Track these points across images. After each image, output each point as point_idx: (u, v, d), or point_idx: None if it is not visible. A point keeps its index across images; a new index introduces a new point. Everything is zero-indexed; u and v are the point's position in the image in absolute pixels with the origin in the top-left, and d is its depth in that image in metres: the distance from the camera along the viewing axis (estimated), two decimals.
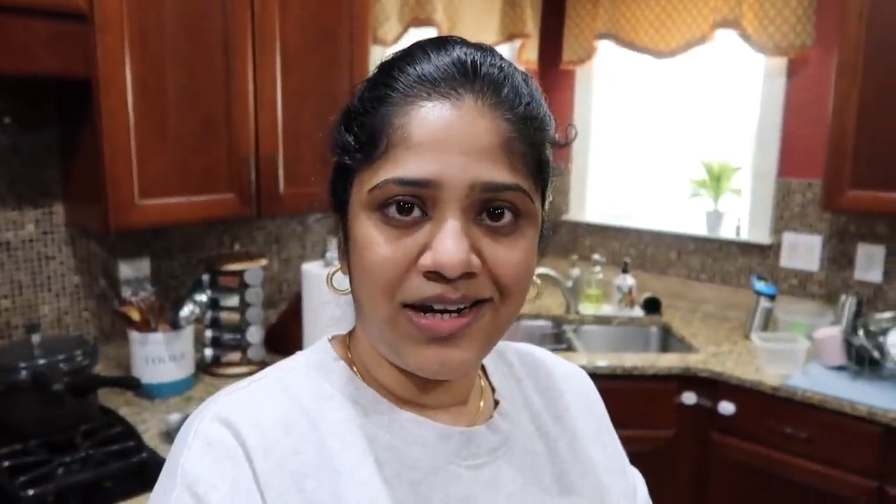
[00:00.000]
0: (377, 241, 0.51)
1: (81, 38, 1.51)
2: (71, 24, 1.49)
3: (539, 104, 0.54)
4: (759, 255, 2.67)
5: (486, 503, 0.57)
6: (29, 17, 1.43)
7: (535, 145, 0.53)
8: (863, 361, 2.09)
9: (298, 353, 0.61)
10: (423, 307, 0.51)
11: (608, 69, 3.01)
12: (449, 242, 0.49)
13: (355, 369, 0.59)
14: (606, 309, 2.78)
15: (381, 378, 0.58)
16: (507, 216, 0.52)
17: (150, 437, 1.56)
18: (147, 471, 1.40)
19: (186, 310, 1.81)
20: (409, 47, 0.55)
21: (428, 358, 0.52)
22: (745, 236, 2.69)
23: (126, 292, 1.87)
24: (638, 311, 2.76)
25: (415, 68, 0.51)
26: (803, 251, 2.56)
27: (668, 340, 2.66)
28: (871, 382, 2.04)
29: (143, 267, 1.98)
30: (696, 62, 2.75)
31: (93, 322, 1.92)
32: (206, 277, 1.93)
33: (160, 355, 1.77)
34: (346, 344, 0.61)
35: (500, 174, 0.50)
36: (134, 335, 1.78)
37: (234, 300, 1.95)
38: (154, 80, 1.64)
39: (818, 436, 1.99)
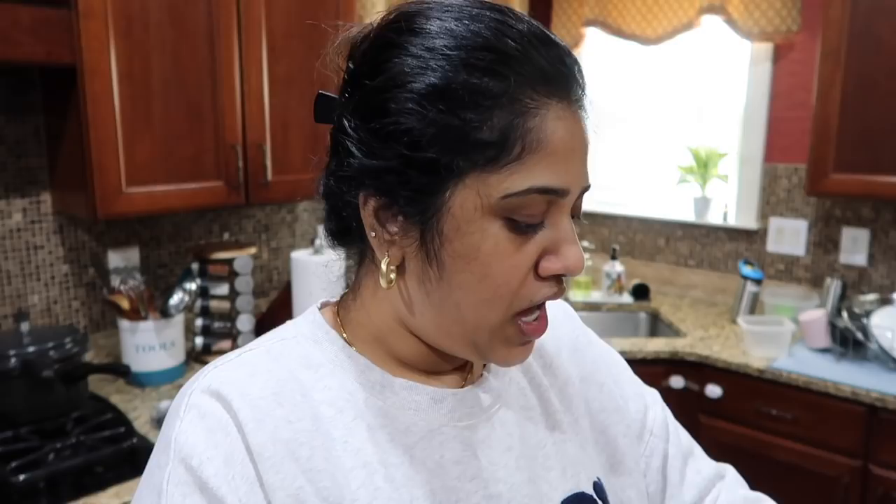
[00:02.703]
0: (508, 250, 0.50)
1: (66, 24, 1.51)
2: (55, 11, 1.49)
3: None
4: (747, 241, 2.69)
5: (482, 462, 0.57)
6: (12, 2, 1.42)
7: None
8: (847, 343, 2.12)
9: (288, 323, 0.61)
10: (529, 309, 0.53)
11: (596, 56, 3.02)
12: (577, 248, 0.52)
13: (346, 337, 0.59)
14: (595, 295, 2.80)
15: (395, 349, 0.58)
16: (577, 215, 0.55)
17: (141, 424, 1.57)
18: (137, 456, 1.41)
19: (176, 298, 1.82)
20: (498, 22, 0.50)
21: (518, 354, 0.55)
22: (732, 222, 2.71)
23: (115, 281, 1.87)
24: (627, 298, 2.77)
25: (529, 59, 0.49)
26: (789, 236, 2.58)
27: (657, 326, 2.68)
28: (855, 364, 2.07)
29: (132, 256, 1.98)
30: (683, 48, 2.77)
31: (82, 311, 1.92)
32: (195, 266, 1.94)
33: (150, 343, 1.78)
34: (336, 312, 0.61)
35: (589, 174, 0.54)
36: (124, 324, 1.79)
37: (223, 289, 1.96)
38: (139, 67, 1.64)
39: (804, 417, 2.02)
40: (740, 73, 2.64)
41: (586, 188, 0.54)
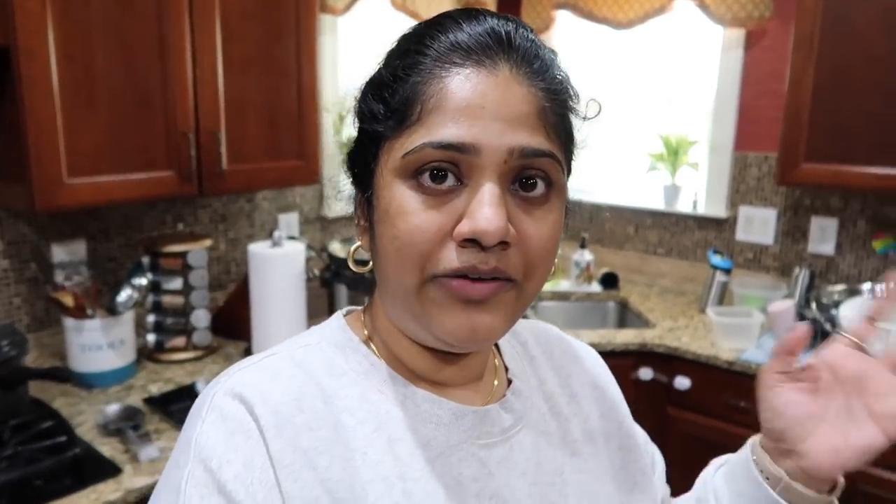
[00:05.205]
0: (411, 208, 0.50)
1: None
2: None
3: (568, 77, 0.55)
4: (716, 229, 2.67)
5: (499, 482, 0.56)
6: None
7: (565, 117, 0.54)
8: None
9: (312, 329, 0.61)
10: (453, 276, 0.50)
11: (566, 40, 2.95)
12: (487, 209, 0.48)
13: (371, 345, 0.58)
14: (564, 285, 2.77)
15: (399, 354, 0.58)
16: (541, 187, 0.52)
17: (86, 431, 1.48)
18: (81, 467, 1.33)
19: (124, 294, 1.72)
20: (437, 17, 0.54)
21: (460, 323, 0.51)
22: (701, 210, 2.68)
23: (59, 276, 1.77)
24: (596, 287, 2.74)
25: (447, 36, 0.51)
26: (759, 225, 2.56)
27: (626, 315, 2.66)
28: None
29: (77, 249, 1.87)
30: (655, 33, 2.72)
31: (24, 308, 1.81)
32: (145, 260, 1.84)
33: (97, 343, 1.68)
34: (362, 319, 0.61)
35: (536, 141, 0.50)
36: (68, 322, 1.69)
37: (177, 283, 1.86)
38: (81, 49, 1.52)
39: None
40: (712, 60, 2.60)
41: (526, 150, 0.50)
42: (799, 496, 0.59)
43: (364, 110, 0.54)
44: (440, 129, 0.49)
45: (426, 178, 0.50)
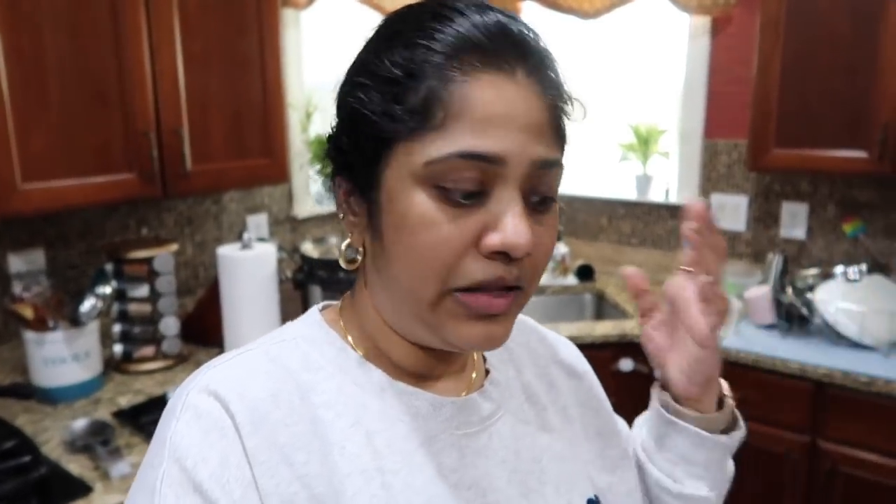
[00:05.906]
0: (436, 220, 0.49)
1: None
2: None
3: (566, 81, 0.55)
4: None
5: (478, 470, 0.57)
6: None
7: (562, 120, 0.54)
8: (792, 319, 2.12)
9: (287, 324, 0.60)
10: (472, 288, 0.50)
11: None
12: (519, 222, 0.49)
13: (349, 339, 0.58)
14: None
15: (386, 349, 0.57)
16: (549, 195, 0.52)
17: (52, 449, 1.40)
18: (48, 488, 1.25)
19: (87, 304, 1.64)
20: (432, 2, 0.52)
21: (476, 334, 0.51)
22: (673, 199, 2.69)
23: (17, 287, 1.68)
24: (571, 279, 2.73)
25: (455, 28, 0.49)
26: (730, 211, 2.57)
27: (603, 307, 2.65)
28: (801, 339, 2.07)
29: (36, 258, 1.78)
30: (621, 23, 2.71)
31: None
32: (109, 267, 1.76)
33: (60, 355, 1.60)
34: (339, 313, 0.60)
35: (552, 152, 0.51)
36: (29, 335, 1.60)
37: (143, 290, 1.78)
38: (29, 45, 1.44)
39: (752, 395, 2.01)
40: (679, 48, 2.60)
41: (545, 162, 0.50)
42: (685, 416, 0.64)
43: (364, 102, 0.51)
44: (467, 139, 0.48)
45: (451, 189, 0.49)
